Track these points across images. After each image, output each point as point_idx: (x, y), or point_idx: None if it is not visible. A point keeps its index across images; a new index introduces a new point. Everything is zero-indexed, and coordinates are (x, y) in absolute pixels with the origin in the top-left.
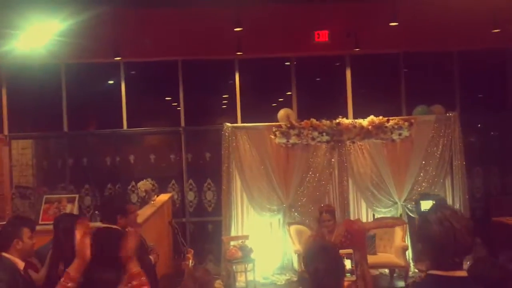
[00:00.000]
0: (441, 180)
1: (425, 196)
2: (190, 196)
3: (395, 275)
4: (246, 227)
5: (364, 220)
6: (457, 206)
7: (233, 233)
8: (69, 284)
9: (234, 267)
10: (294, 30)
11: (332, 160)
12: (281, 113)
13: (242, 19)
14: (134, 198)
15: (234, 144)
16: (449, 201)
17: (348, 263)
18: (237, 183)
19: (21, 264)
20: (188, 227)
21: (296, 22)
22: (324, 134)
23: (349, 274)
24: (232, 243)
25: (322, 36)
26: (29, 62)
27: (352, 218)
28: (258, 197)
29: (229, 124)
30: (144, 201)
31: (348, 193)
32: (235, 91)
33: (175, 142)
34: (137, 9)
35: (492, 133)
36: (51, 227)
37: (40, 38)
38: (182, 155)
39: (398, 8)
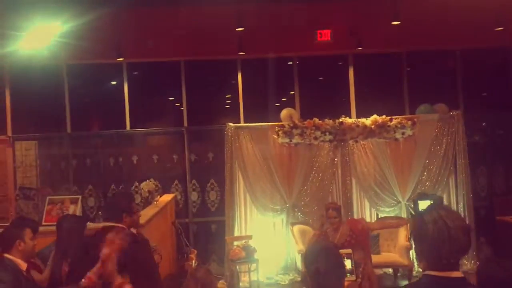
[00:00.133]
0: (445, 179)
1: (423, 196)
2: (193, 196)
3: (399, 274)
4: (249, 227)
5: (367, 219)
6: (461, 205)
7: (236, 233)
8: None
9: (237, 267)
10: (296, 29)
11: (335, 159)
12: (284, 112)
13: (244, 19)
14: (137, 198)
15: (237, 144)
16: (453, 200)
17: (348, 263)
18: (240, 183)
19: (23, 265)
20: (191, 228)
21: (298, 21)
22: (327, 133)
23: (349, 274)
24: (235, 243)
25: (325, 35)
26: (32, 64)
27: (355, 217)
28: (261, 197)
29: (232, 124)
30: (147, 202)
31: (352, 193)
32: (238, 91)
33: (178, 143)
34: (139, 10)
35: (496, 131)
36: (54, 228)
37: (43, 39)
38: (185, 155)
39: (400, 7)
